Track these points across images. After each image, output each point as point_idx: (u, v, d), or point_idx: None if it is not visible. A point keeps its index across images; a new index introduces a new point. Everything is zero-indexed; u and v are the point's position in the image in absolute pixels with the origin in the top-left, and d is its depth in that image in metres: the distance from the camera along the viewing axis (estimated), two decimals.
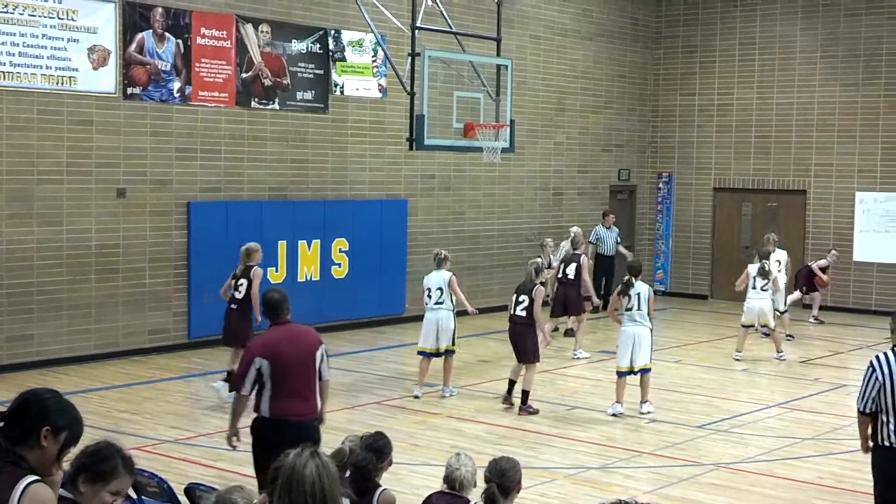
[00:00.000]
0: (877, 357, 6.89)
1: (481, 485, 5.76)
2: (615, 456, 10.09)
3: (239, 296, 11.99)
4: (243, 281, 11.99)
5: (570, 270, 15.60)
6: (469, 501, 5.76)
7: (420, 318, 17.97)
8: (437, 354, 12.58)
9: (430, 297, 12.56)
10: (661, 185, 23.00)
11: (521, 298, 11.89)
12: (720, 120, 22.11)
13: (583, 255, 15.93)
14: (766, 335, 15.78)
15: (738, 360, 15.14)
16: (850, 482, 9.35)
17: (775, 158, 21.45)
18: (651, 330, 11.85)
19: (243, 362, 7.34)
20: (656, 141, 22.97)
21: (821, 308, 19.31)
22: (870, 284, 20.28)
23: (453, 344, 12.64)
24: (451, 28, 15.29)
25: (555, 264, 16.14)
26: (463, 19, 17.21)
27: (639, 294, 11.69)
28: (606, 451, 10.25)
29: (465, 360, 14.85)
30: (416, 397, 12.44)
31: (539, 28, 20.40)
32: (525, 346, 11.86)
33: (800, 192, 21.14)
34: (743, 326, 15.33)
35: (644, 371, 11.81)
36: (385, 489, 5.90)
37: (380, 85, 17.53)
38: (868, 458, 7.10)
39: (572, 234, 16.46)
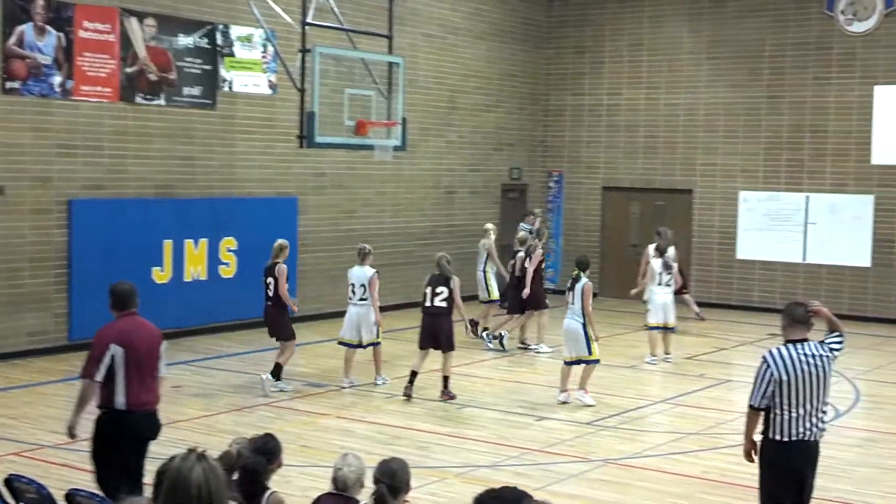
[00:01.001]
0: (770, 352, 6.90)
1: (371, 486, 5.69)
2: (505, 454, 10.12)
3: (270, 293, 12.67)
4: (271, 279, 12.70)
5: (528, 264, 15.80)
6: (358, 502, 5.70)
7: (310, 317, 17.89)
8: (361, 346, 12.95)
9: (353, 292, 12.92)
10: (551, 184, 23.22)
11: (438, 290, 12.25)
12: (609, 120, 22.42)
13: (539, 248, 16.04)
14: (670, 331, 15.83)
15: (652, 363, 14.82)
16: (734, 476, 9.54)
17: (663, 158, 21.85)
18: (583, 325, 12.15)
19: (97, 348, 7.37)
20: (547, 140, 23.19)
21: (701, 304, 19.70)
22: (752, 282, 20.80)
23: (377, 337, 13.01)
24: (342, 25, 15.16)
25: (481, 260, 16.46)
26: (354, 16, 17.07)
27: (574, 289, 12.19)
28: (497, 449, 10.27)
29: (356, 360, 14.75)
30: (344, 388, 12.74)
31: (431, 26, 20.39)
32: (445, 335, 12.22)
33: (686, 192, 21.56)
34: (651, 328, 14.99)
35: (579, 362, 12.26)
36: (274, 492, 5.80)
37: (269, 81, 17.30)
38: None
39: (490, 230, 16.74)
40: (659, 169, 21.91)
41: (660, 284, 15.09)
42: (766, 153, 20.76)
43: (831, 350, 7.00)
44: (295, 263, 17.85)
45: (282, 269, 12.65)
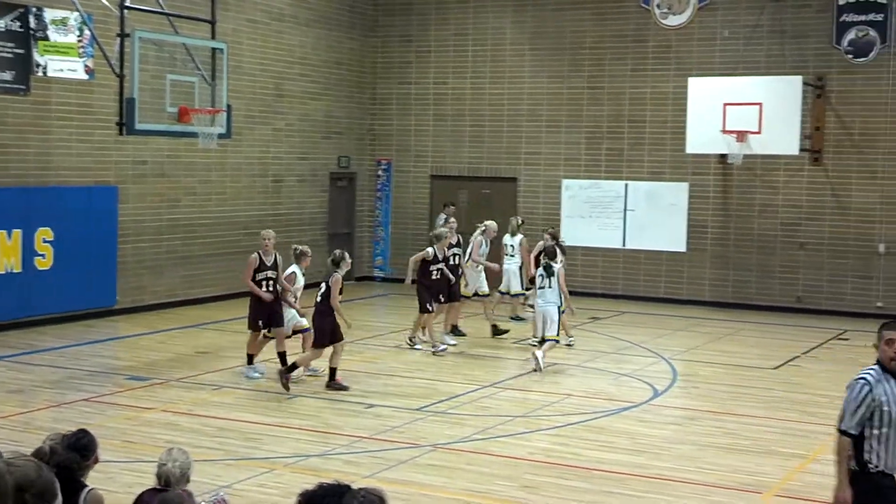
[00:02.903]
0: (865, 375, 6.28)
1: (195, 479, 5.57)
2: (335, 442, 10.08)
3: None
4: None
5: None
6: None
7: (131, 310, 17.40)
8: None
9: None
10: (380, 173, 23.25)
11: (322, 285, 12.42)
12: (436, 109, 22.59)
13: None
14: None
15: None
16: (558, 456, 9.78)
17: (488, 147, 22.16)
18: (558, 307, 13.81)
19: None
20: (375, 128, 23.19)
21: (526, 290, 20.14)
22: (575, 267, 21.30)
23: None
24: (162, 9, 14.75)
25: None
26: (176, 0, 16.65)
27: (553, 275, 13.78)
28: (326, 438, 10.23)
29: (181, 352, 14.46)
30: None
31: (255, 12, 20.07)
32: (321, 329, 12.27)
33: (511, 180, 21.95)
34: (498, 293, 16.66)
35: (548, 341, 13.77)
36: (92, 489, 5.60)
37: (86, 66, 16.68)
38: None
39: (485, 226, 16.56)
40: (485, 157, 22.23)
41: (505, 255, 16.81)
42: (588, 142, 21.32)
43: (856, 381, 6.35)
44: (115, 255, 17.32)
45: (248, 259, 12.87)
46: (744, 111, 18.33)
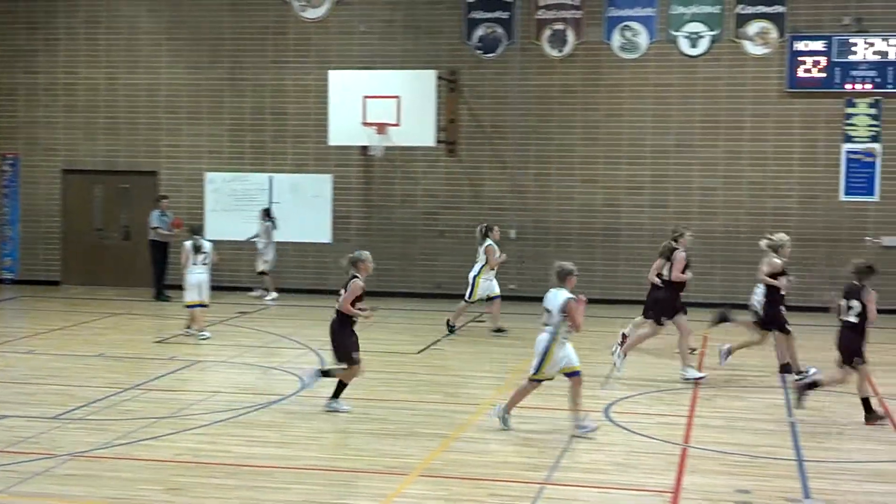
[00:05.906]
0: None
1: None
2: None
3: None
4: None
5: (666, 270, 13.39)
6: None
7: None
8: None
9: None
10: (6, 168, 21.76)
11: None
12: (67, 100, 21.45)
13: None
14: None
15: (203, 338, 15.44)
16: (206, 455, 9.56)
17: (126, 140, 21.34)
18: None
19: None
20: None
21: (172, 287, 19.66)
22: (223, 261, 20.95)
23: None
24: None
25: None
26: None
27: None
28: None
29: None
30: None
31: None
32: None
33: (151, 174, 21.24)
34: (190, 307, 15.64)
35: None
36: None
37: None
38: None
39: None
40: (122, 151, 21.38)
41: (195, 264, 15.67)
42: (231, 134, 21.03)
43: None
44: None
45: (354, 286, 11.31)
46: (383, 104, 18.77)
